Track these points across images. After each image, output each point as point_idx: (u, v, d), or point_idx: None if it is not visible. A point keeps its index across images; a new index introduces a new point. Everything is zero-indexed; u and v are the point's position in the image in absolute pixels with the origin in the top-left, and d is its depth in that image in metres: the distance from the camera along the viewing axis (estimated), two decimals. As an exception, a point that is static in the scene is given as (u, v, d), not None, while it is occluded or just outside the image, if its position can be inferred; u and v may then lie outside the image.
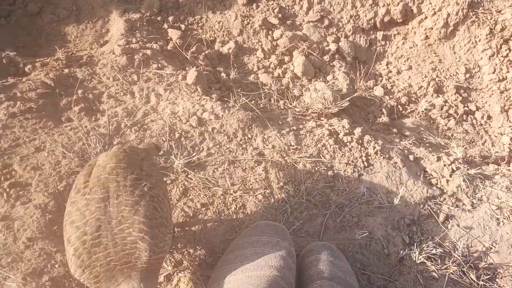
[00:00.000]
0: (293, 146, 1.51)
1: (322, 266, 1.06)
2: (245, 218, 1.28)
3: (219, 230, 1.23)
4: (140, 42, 1.82)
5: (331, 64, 2.05)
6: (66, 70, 1.64)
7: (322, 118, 1.71)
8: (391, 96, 2.03)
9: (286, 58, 2.02)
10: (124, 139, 1.41)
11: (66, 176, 1.24)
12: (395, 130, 1.86)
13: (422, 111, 1.98)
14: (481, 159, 1.74)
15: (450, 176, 1.53)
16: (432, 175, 1.54)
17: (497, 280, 1.26)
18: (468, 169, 1.55)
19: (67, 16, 2.01)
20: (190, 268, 1.12)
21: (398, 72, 2.13)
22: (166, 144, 1.42)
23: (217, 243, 1.20)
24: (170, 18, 2.03)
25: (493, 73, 2.08)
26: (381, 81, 2.10)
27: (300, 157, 1.46)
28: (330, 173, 1.45)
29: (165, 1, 2.10)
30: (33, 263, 1.05)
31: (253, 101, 1.73)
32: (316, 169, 1.45)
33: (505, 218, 1.45)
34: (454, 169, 1.55)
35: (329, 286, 1.00)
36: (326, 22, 2.09)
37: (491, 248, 1.36)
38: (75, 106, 1.50)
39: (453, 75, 2.11)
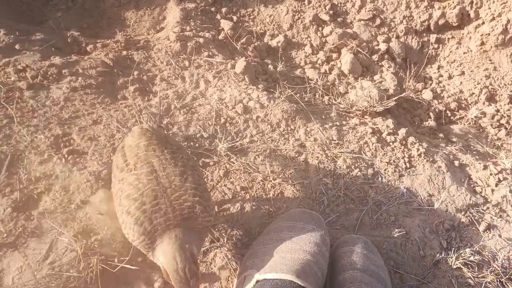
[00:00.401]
0: (335, 140, 1.52)
1: (355, 258, 1.07)
2: (282, 205, 1.31)
3: (256, 213, 1.27)
4: (193, 31, 1.90)
5: (380, 63, 2.03)
6: (124, 52, 1.74)
7: (366, 116, 1.70)
8: (440, 101, 1.98)
9: (334, 55, 2.02)
10: (173, 120, 1.48)
11: (119, 148, 1.33)
12: (441, 135, 1.82)
13: (472, 119, 1.92)
14: (532, 173, 1.67)
15: (496, 185, 1.48)
16: (476, 183, 1.50)
17: (538, 295, 1.21)
18: (516, 181, 1.49)
19: (128, 1, 2.12)
20: (226, 245, 1.16)
21: (450, 77, 2.07)
22: (212, 128, 1.48)
23: (253, 225, 1.24)
24: (223, 9, 2.10)
25: (553, 84, 1.98)
26: (430, 84, 2.06)
27: (341, 152, 1.47)
28: (370, 170, 1.44)
29: (220, -8, 2.16)
30: (84, 223, 1.14)
31: (298, 95, 1.75)
32: (356, 165, 1.45)
33: (552, 234, 1.38)
34: (501, 179, 1.50)
35: (361, 277, 1.01)
36: (378, 21, 2.08)
37: (534, 263, 1.31)
38: (131, 86, 1.59)
39: (508, 84, 2.03)
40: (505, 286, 1.20)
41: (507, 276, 1.21)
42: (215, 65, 1.75)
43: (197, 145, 1.43)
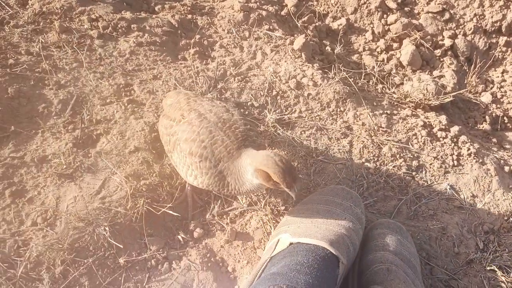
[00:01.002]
0: (383, 128, 1.51)
1: (389, 240, 1.08)
2: (321, 182, 1.33)
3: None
4: (257, 3, 1.92)
5: (441, 59, 1.96)
6: (189, 16, 1.80)
7: (418, 109, 1.67)
8: (498, 106, 1.90)
9: (395, 45, 1.98)
10: (227, 86, 1.53)
11: (174, 104, 1.40)
12: (494, 140, 1.75)
13: (531, 129, 1.83)
14: None
15: (547, 197, 1.42)
16: (525, 192, 1.45)
17: None
18: None
19: (197, -32, 2.17)
20: (263, 209, 1.21)
21: (514, 83, 1.97)
22: (263, 99, 1.52)
23: (290, 196, 1.27)
24: (289, -14, 2.10)
25: None
26: (491, 88, 1.97)
27: (388, 140, 1.46)
28: (415, 162, 1.43)
29: (288, -32, 2.16)
30: (135, 167, 1.22)
31: (352, 79, 1.74)
32: (401, 155, 1.44)
33: None
34: (553, 192, 1.43)
35: (393, 259, 1.03)
36: (447, 15, 2.00)
37: None
38: (192, 48, 1.65)
39: None
40: (539, 297, 1.17)
41: (542, 288, 1.18)
42: (274, 39, 1.78)
43: (247, 112, 1.47)
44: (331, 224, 1.04)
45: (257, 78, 1.59)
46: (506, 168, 1.49)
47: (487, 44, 2.04)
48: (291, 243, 0.98)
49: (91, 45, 1.55)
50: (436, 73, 1.91)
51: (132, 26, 1.63)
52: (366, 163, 1.40)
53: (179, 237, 1.15)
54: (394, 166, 1.40)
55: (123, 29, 1.62)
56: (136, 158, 1.24)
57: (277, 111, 1.49)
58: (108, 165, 1.21)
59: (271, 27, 1.83)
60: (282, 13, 1.96)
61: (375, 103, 1.63)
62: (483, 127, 1.80)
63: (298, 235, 1.00)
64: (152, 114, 1.36)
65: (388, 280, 0.97)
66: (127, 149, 1.26)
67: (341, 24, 1.99)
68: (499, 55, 2.05)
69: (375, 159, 1.42)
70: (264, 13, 1.87)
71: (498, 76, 2.01)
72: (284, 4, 2.02)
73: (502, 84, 1.99)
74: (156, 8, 1.84)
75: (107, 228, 1.08)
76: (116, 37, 1.59)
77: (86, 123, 1.32)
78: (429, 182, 1.39)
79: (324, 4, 2.07)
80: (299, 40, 1.73)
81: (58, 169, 1.19)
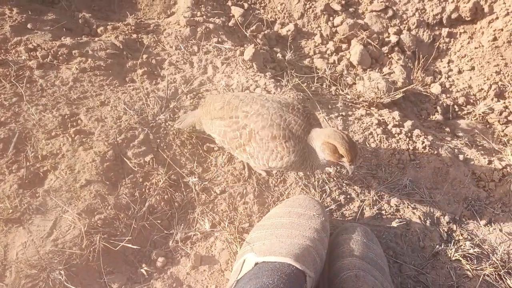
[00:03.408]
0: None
1: (354, 245, 1.08)
2: (284, 192, 1.32)
3: (258, 198, 1.28)
4: (204, 16, 1.90)
5: (389, 56, 2.01)
6: (134, 35, 1.75)
7: (372, 108, 1.70)
8: (448, 95, 1.97)
9: (344, 46, 2.01)
10: (179, 104, 1.49)
11: (125, 130, 1.34)
12: (447, 129, 1.81)
13: (479, 114, 1.91)
14: (538, 170, 1.66)
15: (500, 181, 1.48)
16: (480, 178, 1.50)
17: (536, 291, 1.21)
18: (521, 177, 1.49)
19: (139, -14, 2.12)
20: (227, 229, 1.18)
21: (459, 72, 2.05)
22: (218, 114, 1.49)
23: (255, 211, 1.25)
24: (235, -4, 2.09)
25: None
26: (439, 79, 2.04)
27: (346, 142, 1.47)
28: (373, 161, 1.45)
29: (232, -21, 2.15)
30: (88, 202, 1.16)
31: (305, 84, 1.75)
32: (360, 155, 1.45)
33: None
34: (505, 174, 1.49)
35: (360, 264, 1.02)
36: (390, 12, 2.06)
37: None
38: (139, 69, 1.60)
39: (519, 80, 2.00)
40: (503, 279, 1.21)
41: (505, 270, 1.22)
42: (223, 51, 1.76)
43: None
44: (296, 237, 1.03)
45: (210, 93, 1.56)
46: (461, 157, 1.54)
47: (431, 36, 2.11)
48: (256, 263, 0.96)
49: (30, 76, 1.47)
50: (386, 69, 1.95)
51: (73, 52, 1.56)
52: (326, 168, 1.40)
53: (142, 270, 1.10)
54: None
55: (64, 56, 1.55)
56: (89, 192, 1.18)
57: (233, 125, 1.47)
58: (59, 204, 1.14)
59: (219, 39, 1.81)
60: (230, 24, 1.95)
61: (330, 106, 1.64)
62: (436, 117, 1.86)
63: (263, 253, 0.98)
64: (103, 143, 1.30)
65: (357, 287, 0.97)
66: (78, 183, 1.19)
67: (289, 30, 2.00)
68: (443, 46, 2.13)
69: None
70: (211, 26, 1.85)
71: (444, 67, 2.08)
72: (231, 15, 2.01)
73: (449, 74, 2.06)
74: (99, 30, 1.78)
75: (62, 272, 1.01)
76: (57, 65, 1.52)
77: (31, 161, 1.24)
78: (389, 179, 1.41)
79: (271, 12, 2.08)
80: (249, 50, 1.73)
81: (4, 215, 1.11)
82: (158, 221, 1.17)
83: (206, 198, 1.26)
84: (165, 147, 1.35)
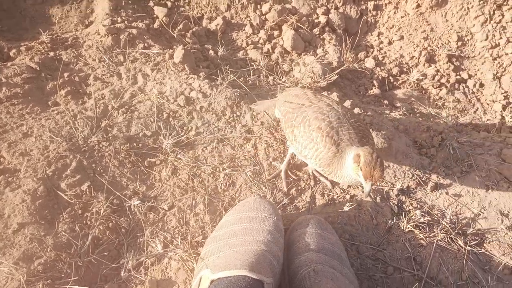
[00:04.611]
0: (282, 121, 1.50)
1: (309, 239, 1.07)
2: (235, 195, 1.29)
3: (209, 207, 1.25)
4: (125, 21, 1.79)
5: (321, 37, 2.01)
6: (52, 53, 1.63)
7: (311, 93, 1.69)
8: (382, 68, 2.01)
9: (276, 33, 1.99)
10: (111, 122, 1.41)
11: (55, 160, 1.25)
12: (386, 101, 1.85)
13: (414, 81, 1.97)
14: (472, 127, 1.74)
15: (439, 145, 1.53)
16: (421, 145, 1.55)
17: (484, 245, 1.28)
18: (457, 138, 1.55)
19: (50, -3, 1.96)
20: (181, 246, 1.14)
21: (390, 43, 2.10)
22: (155, 125, 1.42)
23: (207, 221, 1.22)
24: (156, -5, 1.99)
25: (486, 40, 2.05)
26: (372, 52, 2.08)
27: (289, 133, 1.46)
28: (319, 147, 1.45)
29: (150, -23, 2.05)
30: (24, 248, 1.06)
31: (242, 78, 1.71)
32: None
33: (493, 184, 1.46)
34: (444, 138, 1.55)
35: (317, 257, 1.02)
36: (315, -7, 2.05)
37: (479, 214, 1.38)
38: (61, 90, 1.49)
39: (445, 43, 2.08)
40: (455, 241, 1.26)
41: (455, 231, 1.27)
42: (152, 57, 1.67)
43: (140, 145, 1.37)
44: (250, 244, 1.01)
45: (143, 104, 1.48)
46: (401, 128, 1.57)
47: (359, 12, 2.14)
48: (212, 281, 0.92)
49: None
50: (320, 51, 1.95)
51: (-17, 83, 1.42)
52: (274, 162, 1.39)
53: (96, 308, 1.03)
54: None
55: (-27, 89, 1.40)
56: (23, 236, 1.08)
57: (172, 134, 1.41)
58: (-9, 254, 1.04)
59: (146, 44, 1.72)
60: (155, 26, 1.86)
61: (269, 98, 1.62)
62: (374, 91, 1.89)
63: (218, 268, 0.95)
64: (31, 180, 1.19)
65: (316, 282, 0.96)
66: (10, 229, 1.09)
67: (218, 24, 1.94)
68: (371, 20, 2.16)
69: (282, 156, 1.41)
70: (134, 31, 1.75)
71: (375, 40, 2.12)
72: (154, 16, 1.92)
73: (381, 46, 2.10)
74: (11, 54, 1.63)
75: (5, 331, 0.93)
76: (-33, 101, 1.38)
77: (-47, 212, 1.12)
78: (336, 163, 1.42)
79: (197, 7, 2.01)
80: (179, 52, 1.65)
81: None
82: (105, 253, 1.10)
83: (155, 217, 1.21)
84: (102, 171, 1.27)
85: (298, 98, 1.30)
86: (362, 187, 1.13)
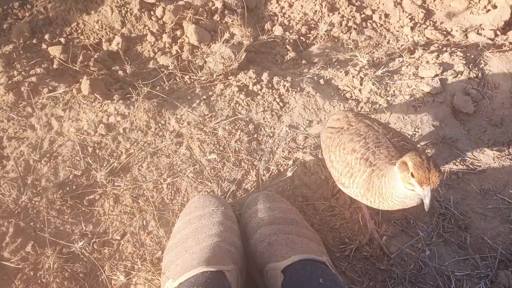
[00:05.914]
0: (208, 114, 1.50)
1: (260, 215, 1.08)
2: (183, 200, 1.28)
3: (161, 221, 1.23)
4: (22, 72, 1.71)
5: (223, 21, 2.01)
6: (-46, 130, 1.53)
7: (230, 77, 1.69)
8: (291, 31, 2.03)
9: (178, 32, 1.96)
10: (37, 175, 1.35)
11: (-11, 234, 1.18)
12: (304, 61, 1.88)
13: (324, 34, 2.00)
14: (388, 58, 1.80)
15: (361, 84, 1.58)
16: (345, 90, 1.59)
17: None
18: (375, 72, 1.60)
19: None
20: (143, 269, 1.11)
21: (290, 5, 2.12)
22: (82, 162, 1.38)
23: (162, 235, 1.20)
24: (46, 36, 1.91)
25: (375, -27, 2.12)
26: (277, 20, 2.10)
27: (217, 123, 1.46)
28: (251, 126, 1.45)
29: (34, 21, 1.96)
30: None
31: (158, 87, 1.69)
32: (237, 127, 1.45)
33: (420, 103, 1.52)
34: (363, 76, 1.60)
35: (269, 230, 1.03)
36: (203, -18, 2.04)
37: (415, 134, 1.43)
38: (-25, 162, 1.41)
39: (341, -12, 2.13)
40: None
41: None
42: (60, 98, 1.61)
43: (74, 187, 1.32)
44: (203, 241, 1.00)
45: (65, 146, 1.43)
46: (322, 81, 1.61)
47: (251, -15, 2.14)
48: (174, 290, 0.91)
49: None
50: (227, 36, 1.95)
51: None
52: (211, 156, 1.38)
53: None
54: (236, 141, 1.41)
55: None
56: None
57: (104, 165, 1.37)
58: None
59: (50, 87, 1.65)
60: (54, 66, 1.78)
61: (189, 97, 1.61)
62: (290, 56, 1.91)
63: (178, 275, 0.94)
64: (-31, 261, 1.13)
65: (272, 252, 0.97)
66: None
67: (118, 43, 1.89)
68: (266, -11, 2.18)
69: (217, 147, 1.41)
70: (34, 78, 1.67)
71: (276, 7, 2.14)
72: (51, 57, 1.84)
73: (283, 11, 2.12)
74: None
75: None
76: None
77: None
78: (271, 135, 1.43)
79: (92, 34, 1.95)
80: (85, 84, 1.60)
81: None
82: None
83: (110, 251, 1.18)
84: (42, 226, 1.22)
85: (339, 122, 1.21)
86: (422, 201, 0.90)
